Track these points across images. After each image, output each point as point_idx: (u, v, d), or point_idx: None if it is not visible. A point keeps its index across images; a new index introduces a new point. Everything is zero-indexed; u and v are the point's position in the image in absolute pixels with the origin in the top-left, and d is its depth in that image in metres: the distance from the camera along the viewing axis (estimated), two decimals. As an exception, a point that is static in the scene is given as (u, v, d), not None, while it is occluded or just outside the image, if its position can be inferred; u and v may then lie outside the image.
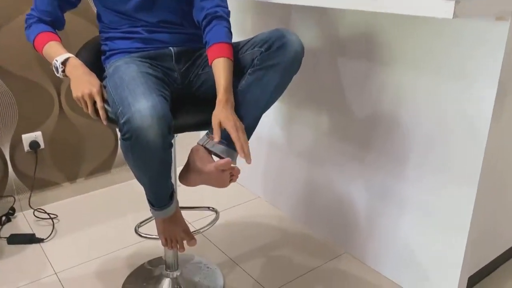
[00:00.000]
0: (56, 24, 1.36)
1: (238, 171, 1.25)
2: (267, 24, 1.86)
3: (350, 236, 1.77)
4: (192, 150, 1.27)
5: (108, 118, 1.22)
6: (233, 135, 1.16)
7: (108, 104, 1.21)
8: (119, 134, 1.14)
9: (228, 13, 1.29)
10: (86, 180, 2.22)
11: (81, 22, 2.00)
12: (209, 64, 1.24)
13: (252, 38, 1.27)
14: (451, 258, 1.41)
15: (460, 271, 1.40)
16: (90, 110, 1.21)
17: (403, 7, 1.08)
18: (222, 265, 1.72)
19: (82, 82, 1.22)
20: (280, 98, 1.91)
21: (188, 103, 1.33)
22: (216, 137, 1.18)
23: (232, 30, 1.38)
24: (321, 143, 1.78)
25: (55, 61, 1.24)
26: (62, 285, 1.61)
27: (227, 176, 1.22)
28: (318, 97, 1.73)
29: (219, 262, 1.74)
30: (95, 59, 1.39)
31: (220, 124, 1.18)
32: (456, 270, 1.40)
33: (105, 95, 1.23)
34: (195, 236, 1.37)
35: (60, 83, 2.02)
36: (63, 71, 1.24)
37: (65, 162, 2.13)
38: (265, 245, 1.85)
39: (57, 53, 1.26)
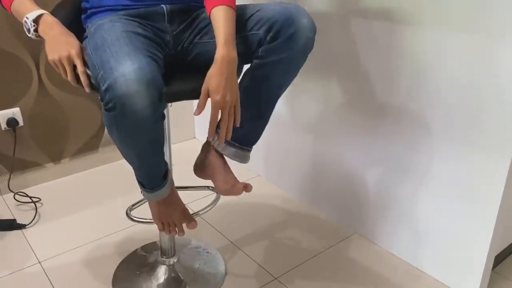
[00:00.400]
0: None
1: (251, 188, 1.17)
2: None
3: (360, 216, 1.63)
4: (203, 149, 1.20)
5: (91, 85, 1.05)
6: (213, 117, 1.00)
7: (89, 68, 1.04)
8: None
9: None
10: (72, 161, 2.05)
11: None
12: (208, 15, 1.06)
13: (258, 10, 1.07)
14: (477, 236, 1.28)
15: (488, 250, 1.27)
16: (69, 76, 1.04)
17: None
18: (223, 250, 1.58)
19: (59, 43, 1.04)
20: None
21: (181, 70, 1.16)
22: (196, 111, 1.00)
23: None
24: (328, 114, 1.62)
25: (26, 19, 1.05)
26: (47, 275, 1.46)
27: (240, 190, 1.16)
28: (325, 62, 1.57)
29: (219, 247, 1.60)
30: (74, 18, 1.20)
31: (207, 94, 1.00)
32: (483, 248, 1.27)
33: (86, 58, 1.06)
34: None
35: (39, 53, 1.83)
36: (36, 30, 1.06)
37: (47, 141, 1.96)
38: (269, 228, 1.70)
39: (28, 9, 1.06)
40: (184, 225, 1.23)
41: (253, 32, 1.07)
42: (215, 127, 1.03)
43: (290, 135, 1.82)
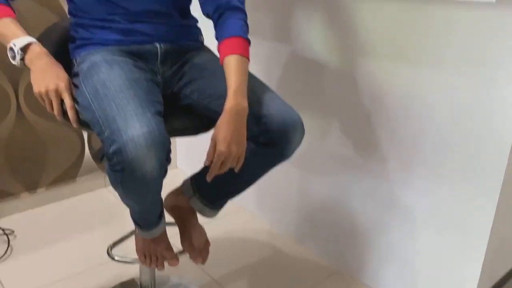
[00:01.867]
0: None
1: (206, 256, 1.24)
2: (265, 18, 1.69)
3: (347, 252, 1.61)
4: (174, 193, 1.22)
5: (78, 120, 1.01)
6: (214, 165, 0.98)
7: (78, 104, 1.00)
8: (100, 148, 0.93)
9: (243, 2, 1.09)
10: (48, 190, 1.97)
11: (40, 8, 1.76)
12: (220, 63, 1.04)
13: (255, 94, 1.06)
14: (467, 271, 1.27)
15: (477, 285, 1.26)
16: (56, 110, 1.00)
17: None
18: (206, 288, 1.53)
19: (46, 75, 1.00)
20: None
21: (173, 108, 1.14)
22: (206, 161, 0.99)
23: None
24: (314, 147, 1.61)
25: (13, 45, 1.00)
26: (19, 315, 1.38)
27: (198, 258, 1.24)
28: (311, 95, 1.57)
29: (201, 284, 1.54)
30: (60, 47, 1.16)
31: (215, 145, 0.98)
32: (473, 283, 1.27)
33: (74, 92, 1.02)
34: (178, 257, 1.19)
35: (19, 79, 1.77)
36: (22, 59, 1.01)
37: (23, 170, 1.88)
38: (252, 264, 1.66)
39: (15, 34, 1.01)
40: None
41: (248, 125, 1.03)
42: (214, 176, 1.01)
43: (277, 170, 1.80)
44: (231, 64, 1.01)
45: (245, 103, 0.99)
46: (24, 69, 1.73)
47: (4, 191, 1.86)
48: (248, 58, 1.04)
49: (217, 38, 1.07)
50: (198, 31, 1.25)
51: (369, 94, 1.40)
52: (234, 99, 0.97)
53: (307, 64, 1.56)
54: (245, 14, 1.09)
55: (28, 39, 1.01)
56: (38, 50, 1.02)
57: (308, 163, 1.66)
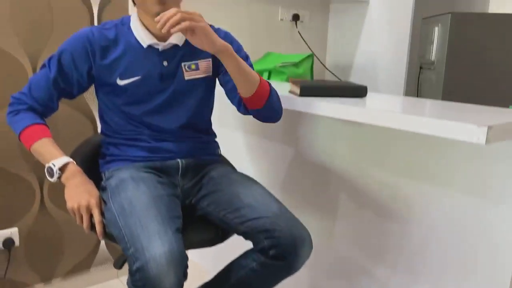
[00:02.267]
0: (47, 113, 1.24)
1: None
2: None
3: None
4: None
5: (105, 234, 1.09)
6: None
7: (105, 218, 1.09)
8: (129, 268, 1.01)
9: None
10: (63, 281, 2.01)
11: (75, 115, 1.91)
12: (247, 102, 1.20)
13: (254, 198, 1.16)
14: None
15: None
16: (85, 224, 1.09)
17: (435, 130, 1.04)
18: None
19: (79, 192, 1.10)
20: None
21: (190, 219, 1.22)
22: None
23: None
24: (321, 249, 1.66)
25: (52, 165, 1.12)
26: None
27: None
28: (317, 196, 1.65)
29: None
30: (90, 161, 1.28)
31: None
32: None
33: (102, 207, 1.11)
34: None
35: (44, 175, 1.88)
36: (59, 177, 1.13)
37: (40, 261, 1.94)
38: None
39: (52, 154, 1.14)
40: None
41: (255, 231, 1.12)
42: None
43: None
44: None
45: (229, 51, 1.09)
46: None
47: (20, 282, 1.90)
48: (260, 77, 1.18)
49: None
50: (216, 145, 1.37)
51: (375, 200, 1.47)
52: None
53: (313, 165, 1.65)
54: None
55: (64, 159, 1.13)
56: (73, 169, 1.13)
57: (315, 265, 1.70)
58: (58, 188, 1.92)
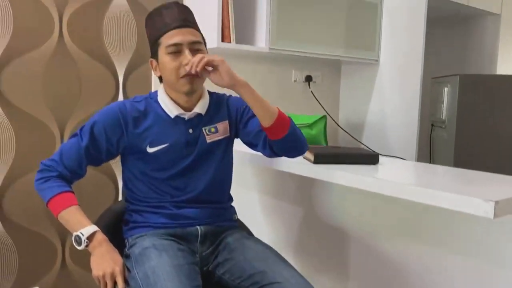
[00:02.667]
0: (74, 180, 1.30)
1: None
2: (287, 183, 1.87)
3: None
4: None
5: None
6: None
7: (129, 286, 1.13)
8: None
9: None
10: None
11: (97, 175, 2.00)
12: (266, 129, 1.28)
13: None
14: None
15: None
16: None
17: (443, 202, 1.08)
18: None
19: (105, 260, 1.16)
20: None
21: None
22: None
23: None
24: (341, 313, 1.66)
25: (80, 234, 1.17)
26: None
27: None
28: (329, 258, 1.67)
29: None
30: (113, 227, 1.34)
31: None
32: None
33: (126, 275, 1.16)
34: None
35: (67, 235, 1.95)
36: (87, 246, 1.18)
37: (59, 320, 1.97)
38: None
39: (80, 223, 1.19)
40: None
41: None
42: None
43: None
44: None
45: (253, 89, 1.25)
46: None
47: None
48: (278, 110, 1.27)
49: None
50: (233, 211, 1.42)
51: (387, 264, 1.49)
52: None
53: (327, 229, 1.68)
54: None
55: (91, 229, 1.19)
56: (99, 238, 1.19)
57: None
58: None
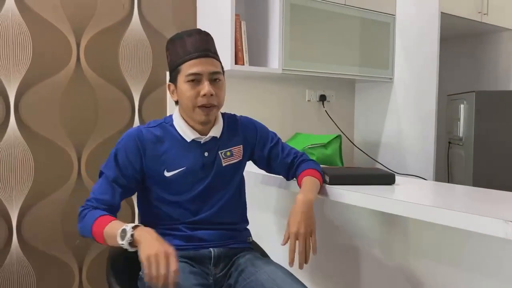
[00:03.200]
0: (111, 213, 1.24)
1: None
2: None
3: None
4: None
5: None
6: (291, 246, 1.23)
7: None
8: None
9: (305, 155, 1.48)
10: None
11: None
12: (298, 184, 1.39)
13: None
14: None
15: None
16: (162, 269, 1.04)
17: (463, 224, 1.06)
18: None
19: (158, 243, 1.08)
20: None
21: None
22: (283, 241, 1.24)
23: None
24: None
25: (125, 226, 1.11)
26: None
27: None
28: (345, 276, 1.64)
29: None
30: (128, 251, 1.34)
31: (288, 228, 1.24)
32: None
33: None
34: None
35: (83, 258, 1.96)
36: (132, 235, 1.10)
37: None
38: None
39: (123, 224, 1.14)
40: None
41: None
42: (293, 255, 1.22)
43: None
44: (305, 180, 1.36)
45: (311, 197, 1.30)
46: (88, 251, 1.94)
47: None
48: (319, 180, 1.39)
49: (292, 176, 1.46)
50: (248, 233, 1.42)
51: (404, 284, 1.46)
52: (303, 194, 1.29)
53: (342, 249, 1.66)
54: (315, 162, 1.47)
55: (135, 224, 1.13)
56: (147, 228, 1.12)
57: None
58: (96, 271, 1.99)
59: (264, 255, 1.47)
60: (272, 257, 1.48)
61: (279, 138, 1.49)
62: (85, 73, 1.94)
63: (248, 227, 1.45)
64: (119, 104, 2.03)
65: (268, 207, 1.99)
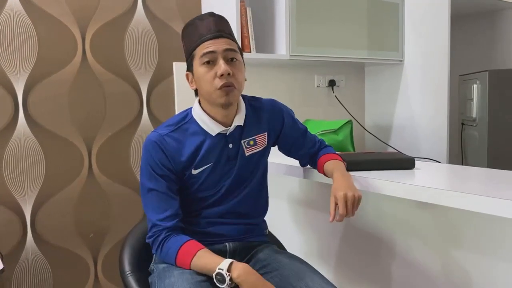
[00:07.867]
0: (180, 224, 1.22)
1: None
2: (321, 190, 1.83)
3: None
4: None
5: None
6: (332, 205, 1.21)
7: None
8: None
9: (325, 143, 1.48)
10: None
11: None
12: (322, 172, 1.38)
13: None
14: None
15: None
16: None
17: (482, 207, 1.03)
18: None
19: (261, 283, 1.10)
20: None
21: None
22: (331, 218, 1.20)
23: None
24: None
25: (220, 270, 1.10)
26: None
27: None
28: (366, 266, 1.62)
29: None
30: (141, 242, 1.33)
31: (335, 200, 1.21)
32: None
33: None
34: None
35: (98, 251, 1.96)
36: (230, 279, 1.10)
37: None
38: None
39: (215, 261, 1.12)
40: None
41: None
42: (334, 212, 1.21)
43: None
44: (331, 164, 1.35)
45: (348, 173, 1.30)
46: (103, 244, 1.95)
47: None
48: (343, 162, 1.36)
49: (313, 164, 1.44)
50: (264, 226, 1.40)
51: (427, 272, 1.44)
52: (340, 171, 1.29)
53: (362, 237, 1.64)
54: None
55: (228, 260, 1.12)
56: (240, 266, 1.11)
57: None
58: (111, 263, 1.99)
59: (281, 247, 1.45)
60: (288, 249, 1.47)
61: (306, 128, 1.43)
62: (92, 67, 1.92)
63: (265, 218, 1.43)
64: (126, 97, 2.01)
65: (282, 196, 1.97)
